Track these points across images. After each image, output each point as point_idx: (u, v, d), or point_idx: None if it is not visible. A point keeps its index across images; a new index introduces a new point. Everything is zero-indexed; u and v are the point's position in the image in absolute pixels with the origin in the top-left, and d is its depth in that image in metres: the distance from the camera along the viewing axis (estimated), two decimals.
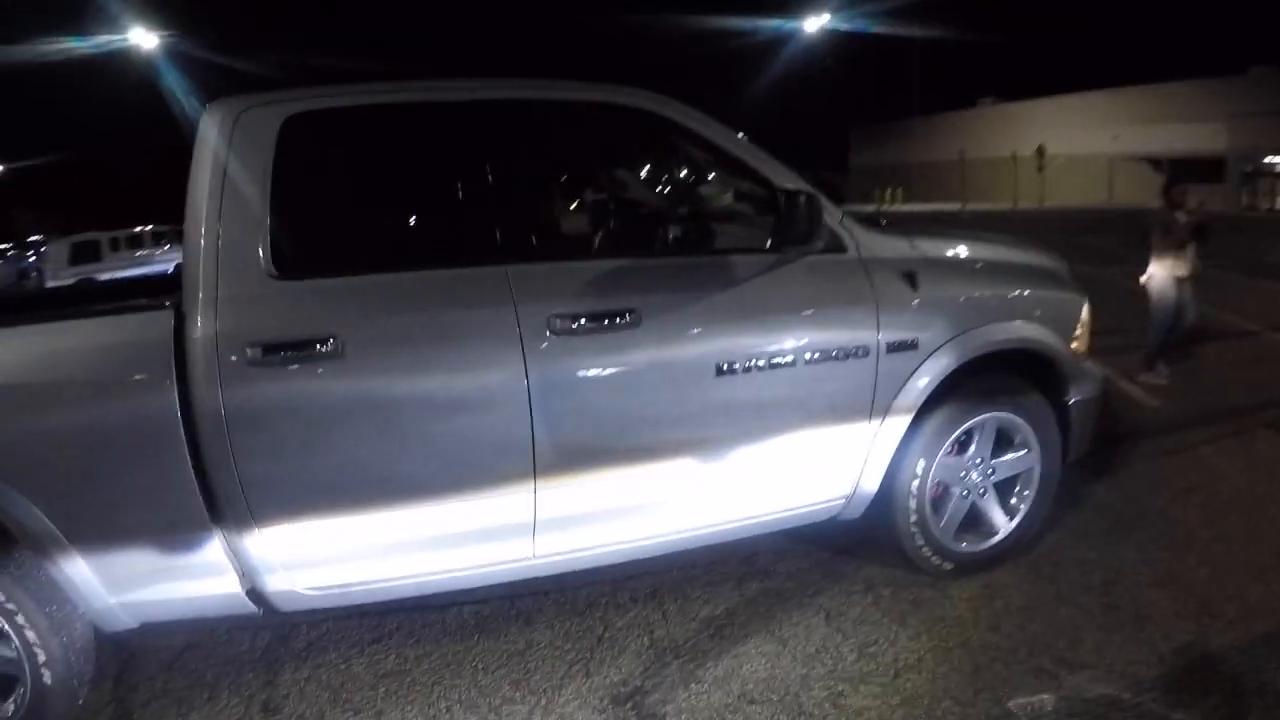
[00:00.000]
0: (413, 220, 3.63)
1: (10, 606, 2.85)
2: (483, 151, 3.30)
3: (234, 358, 2.82)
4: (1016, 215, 35.26)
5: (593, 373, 3.19)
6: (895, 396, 3.57)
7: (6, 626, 2.87)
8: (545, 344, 3.08)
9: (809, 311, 3.44)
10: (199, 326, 2.83)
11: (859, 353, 3.47)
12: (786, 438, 3.46)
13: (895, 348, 3.53)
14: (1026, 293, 3.94)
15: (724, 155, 3.58)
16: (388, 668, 3.42)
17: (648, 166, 4.74)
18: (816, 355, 3.40)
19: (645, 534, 3.42)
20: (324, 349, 2.87)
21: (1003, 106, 50.90)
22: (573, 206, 4.16)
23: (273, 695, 3.30)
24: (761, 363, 3.33)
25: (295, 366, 2.89)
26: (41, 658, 2.92)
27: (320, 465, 2.98)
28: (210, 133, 2.99)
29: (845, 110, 61.69)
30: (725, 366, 3.28)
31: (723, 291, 3.33)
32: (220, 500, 2.91)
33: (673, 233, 3.88)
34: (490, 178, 3.29)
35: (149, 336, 2.85)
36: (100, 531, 2.91)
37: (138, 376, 2.84)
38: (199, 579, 3.01)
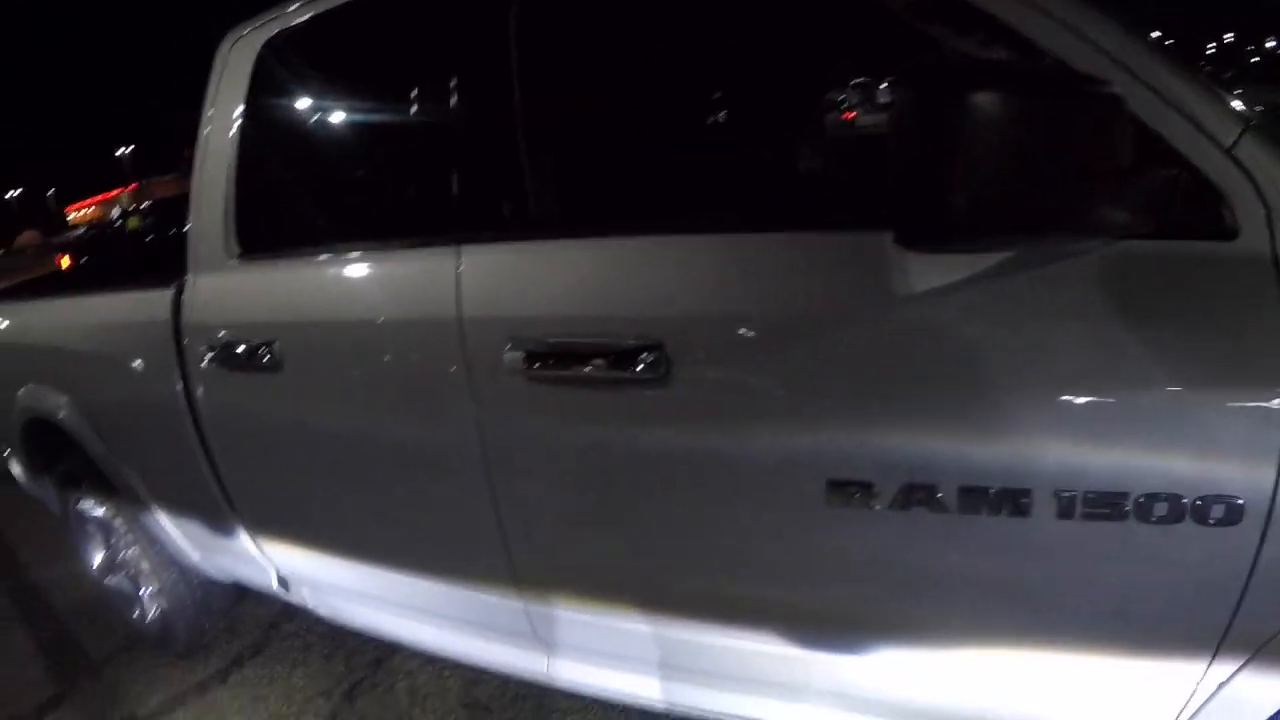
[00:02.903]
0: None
1: None
2: None
3: (201, 351, 2.39)
4: None
5: (571, 447, 1.85)
6: None
7: None
8: (495, 387, 1.85)
9: (1068, 391, 1.36)
10: (181, 311, 2.45)
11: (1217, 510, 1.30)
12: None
13: None
14: None
15: None
16: (478, 697, 2.90)
17: None
18: (1096, 504, 1.37)
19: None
20: (264, 356, 2.23)
21: None
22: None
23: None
24: (942, 494, 1.45)
25: (243, 372, 2.32)
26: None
27: (282, 486, 2.50)
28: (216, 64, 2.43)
29: None
30: (849, 490, 1.52)
31: (852, 320, 1.50)
32: (229, 494, 2.62)
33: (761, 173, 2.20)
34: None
35: (154, 318, 2.54)
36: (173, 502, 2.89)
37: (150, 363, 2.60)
38: (245, 560, 2.81)
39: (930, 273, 1.40)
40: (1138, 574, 1.41)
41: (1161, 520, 1.32)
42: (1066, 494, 1.36)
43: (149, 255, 8.42)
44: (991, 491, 1.40)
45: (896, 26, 1.75)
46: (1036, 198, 1.18)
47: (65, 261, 20.77)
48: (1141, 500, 1.32)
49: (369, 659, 3.18)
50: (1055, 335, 1.36)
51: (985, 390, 1.40)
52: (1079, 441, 1.36)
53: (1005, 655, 1.58)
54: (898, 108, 1.20)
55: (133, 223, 25.43)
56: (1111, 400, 1.33)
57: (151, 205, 27.59)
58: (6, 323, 3.56)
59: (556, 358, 1.74)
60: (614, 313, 1.70)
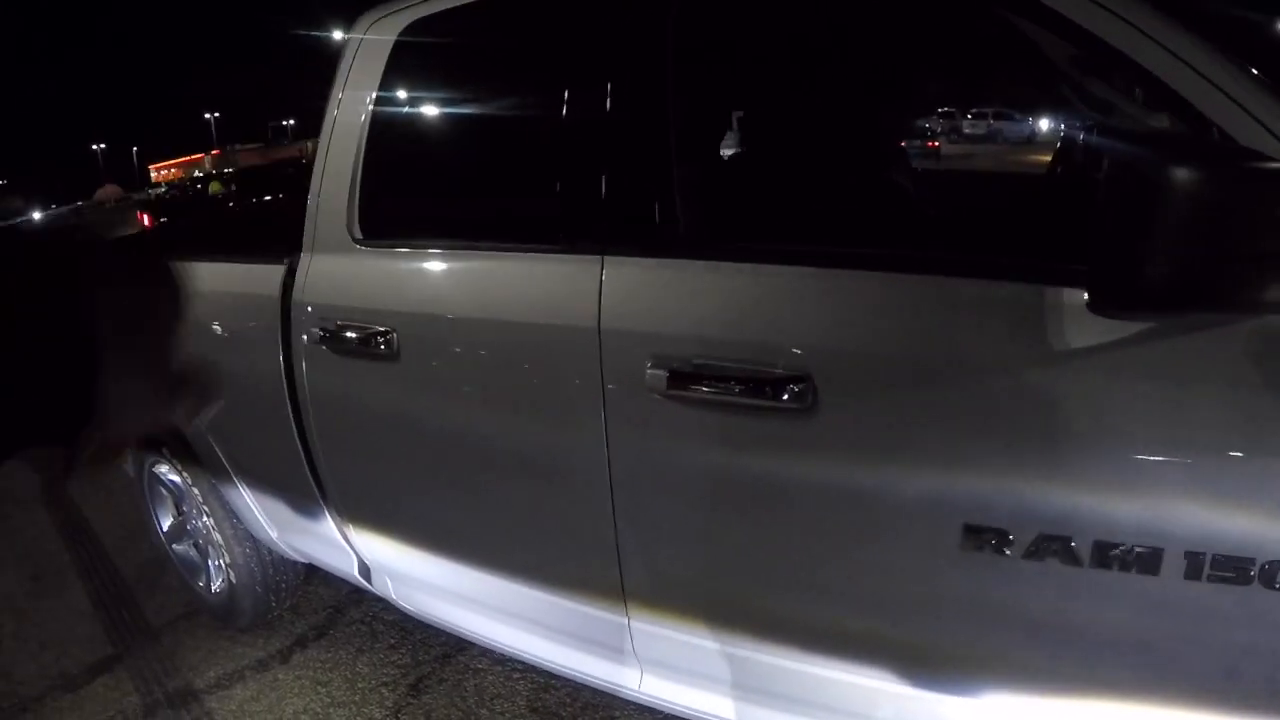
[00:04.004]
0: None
1: None
2: None
3: (311, 332, 2.34)
4: None
5: (704, 470, 1.78)
6: None
7: None
8: (631, 402, 1.80)
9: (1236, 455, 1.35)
10: (294, 290, 2.41)
11: None
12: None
13: None
14: None
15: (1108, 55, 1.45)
16: (547, 703, 2.82)
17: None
18: (1224, 567, 1.36)
19: None
20: (380, 344, 2.18)
21: None
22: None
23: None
24: (1076, 546, 1.44)
25: (355, 358, 2.28)
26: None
27: (382, 477, 2.43)
28: (349, 44, 2.37)
29: None
30: (984, 536, 1.51)
31: (1008, 369, 1.47)
32: (321, 478, 2.57)
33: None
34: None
35: (261, 292, 2.51)
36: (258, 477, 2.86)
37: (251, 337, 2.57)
38: (327, 544, 2.77)
39: (1084, 330, 1.40)
40: (1254, 637, 1.41)
41: (1225, 580, 1.36)
42: (1197, 555, 1.37)
43: (233, 223, 8.47)
44: (1124, 548, 1.41)
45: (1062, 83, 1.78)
46: (1227, 271, 1.22)
47: (146, 220, 21.18)
48: (1266, 566, 1.33)
49: (436, 653, 3.12)
50: (1202, 400, 1.36)
51: (1128, 447, 1.40)
52: (1214, 505, 1.36)
53: (1114, 707, 1.56)
54: (1104, 179, 1.26)
55: (215, 187, 25.97)
56: (1250, 467, 1.33)
57: (235, 172, 28.09)
58: None
59: (699, 379, 1.69)
60: (763, 340, 1.66)
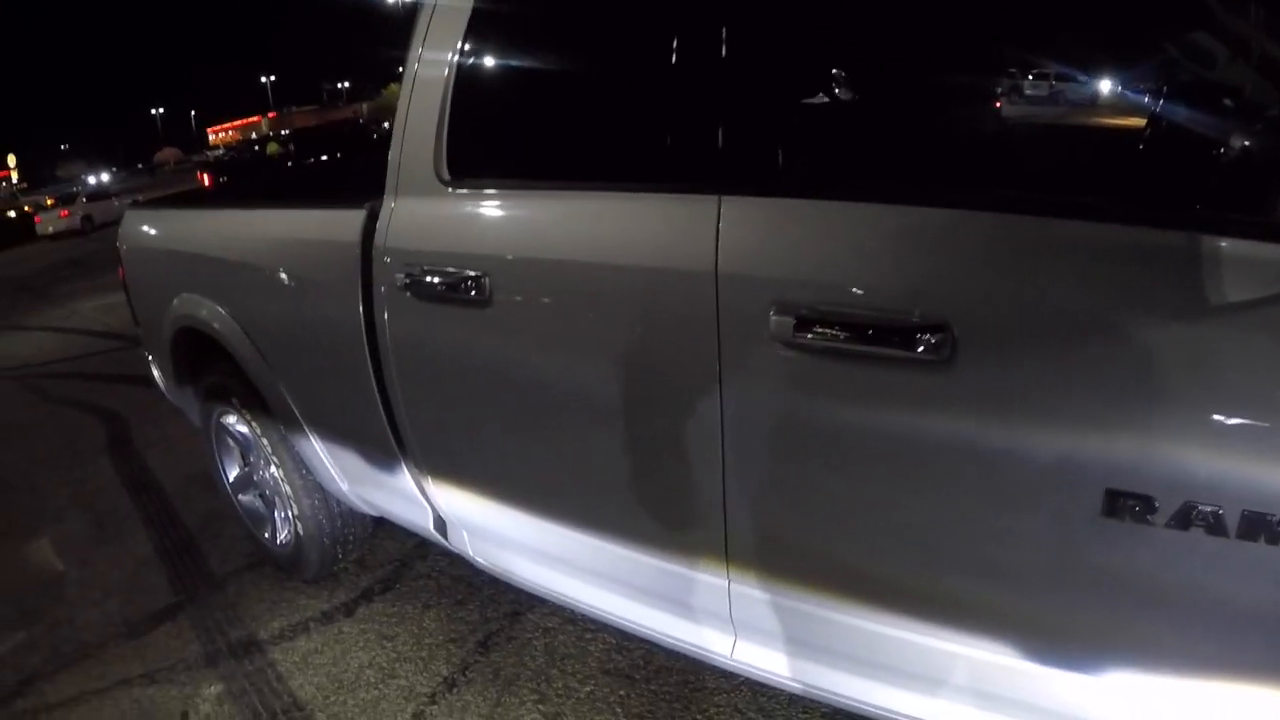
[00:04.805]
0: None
1: None
2: None
3: (395, 278, 2.25)
4: None
5: (827, 424, 1.66)
6: None
7: None
8: (751, 351, 1.69)
9: None
10: (375, 235, 2.32)
11: None
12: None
13: None
14: None
15: None
16: (620, 665, 2.75)
17: None
18: None
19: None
20: (471, 289, 2.08)
21: None
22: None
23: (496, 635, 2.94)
24: (1224, 515, 1.33)
25: (443, 304, 2.18)
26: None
27: (468, 428, 2.34)
28: None
29: None
30: (1127, 501, 1.39)
31: (1167, 324, 1.35)
32: (400, 429, 2.49)
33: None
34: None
35: (339, 238, 2.43)
36: (331, 428, 2.81)
37: (329, 283, 2.49)
38: (402, 497, 2.70)
39: (1243, 282, 1.29)
40: None
41: None
42: None
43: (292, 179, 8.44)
44: (1273, 519, 1.28)
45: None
46: None
47: (207, 180, 21.44)
48: None
49: (505, 610, 3.06)
50: None
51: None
52: None
53: (1245, 689, 1.45)
54: None
55: (273, 148, 26.26)
56: None
57: (292, 133, 28.41)
58: (163, 231, 3.52)
59: (829, 326, 1.57)
60: (899, 286, 1.53)
